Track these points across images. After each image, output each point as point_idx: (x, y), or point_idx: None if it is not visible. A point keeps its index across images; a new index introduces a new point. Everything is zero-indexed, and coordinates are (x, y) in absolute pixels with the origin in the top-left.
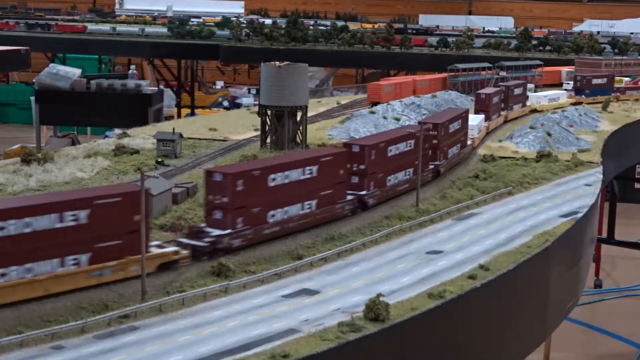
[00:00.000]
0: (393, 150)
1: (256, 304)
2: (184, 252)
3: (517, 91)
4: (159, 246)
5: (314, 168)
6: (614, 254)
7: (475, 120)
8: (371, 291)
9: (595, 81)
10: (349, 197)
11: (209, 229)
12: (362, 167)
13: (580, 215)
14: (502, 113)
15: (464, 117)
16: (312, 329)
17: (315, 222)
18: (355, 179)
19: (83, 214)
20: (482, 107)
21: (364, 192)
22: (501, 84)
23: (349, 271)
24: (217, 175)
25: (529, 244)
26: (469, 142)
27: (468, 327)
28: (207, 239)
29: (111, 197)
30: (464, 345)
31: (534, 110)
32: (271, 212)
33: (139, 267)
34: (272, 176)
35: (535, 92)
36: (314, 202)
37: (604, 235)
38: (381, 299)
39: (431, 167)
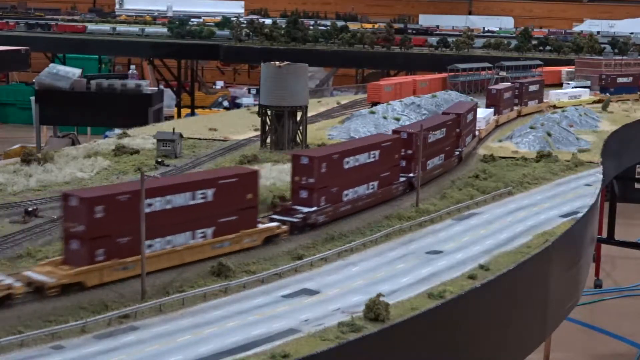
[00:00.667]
0: (432, 137)
1: (256, 304)
2: (284, 227)
3: (533, 88)
4: (262, 222)
5: (377, 152)
6: (614, 254)
7: (483, 113)
8: (371, 291)
9: (620, 80)
10: (402, 179)
11: (297, 207)
12: (409, 152)
13: (580, 215)
14: (515, 108)
15: (474, 109)
16: (312, 329)
17: (376, 202)
18: (403, 163)
19: (210, 193)
20: (493, 102)
21: (411, 175)
22: (516, 81)
23: (349, 271)
24: (304, 159)
25: (529, 244)
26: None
27: (468, 327)
28: (298, 215)
29: (231, 177)
30: (464, 345)
31: (553, 107)
32: (345, 192)
33: (250, 240)
34: (347, 159)
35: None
36: (376, 183)
37: (604, 235)
38: (381, 299)
39: (457, 153)
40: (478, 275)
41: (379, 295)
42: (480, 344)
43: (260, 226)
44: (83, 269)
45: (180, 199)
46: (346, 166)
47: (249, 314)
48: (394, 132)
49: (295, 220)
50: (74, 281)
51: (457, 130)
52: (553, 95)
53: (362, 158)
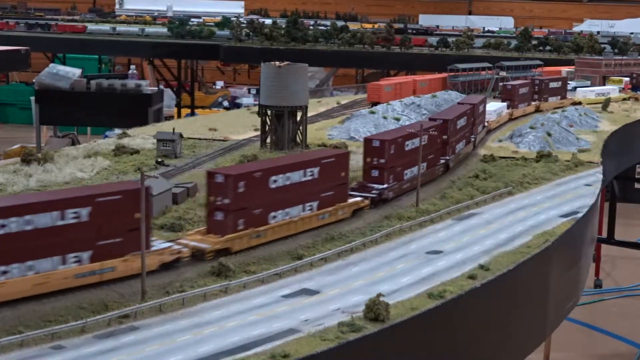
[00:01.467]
0: (459, 124)
1: (256, 304)
2: (366, 201)
3: (554, 84)
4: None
5: (425, 137)
6: (614, 254)
7: (494, 106)
8: (371, 291)
9: None
10: (442, 161)
11: (370, 185)
12: (445, 137)
13: (580, 215)
14: (533, 103)
15: (484, 102)
16: (312, 329)
17: (425, 181)
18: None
19: (316, 171)
20: (508, 96)
21: (448, 157)
22: (536, 77)
23: (349, 271)
24: (375, 142)
25: (529, 244)
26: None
27: (468, 327)
28: (374, 192)
29: (330, 157)
30: (464, 345)
31: (578, 103)
32: (405, 171)
33: (343, 212)
34: (407, 142)
35: None
36: (424, 164)
37: (604, 235)
38: (381, 299)
39: (472, 139)
40: (478, 275)
41: (379, 295)
42: (480, 344)
43: (350, 200)
44: (230, 236)
45: (296, 176)
46: (407, 149)
47: (249, 314)
48: (431, 119)
49: (373, 195)
50: (223, 247)
51: (472, 119)
52: (580, 93)
53: (417, 142)
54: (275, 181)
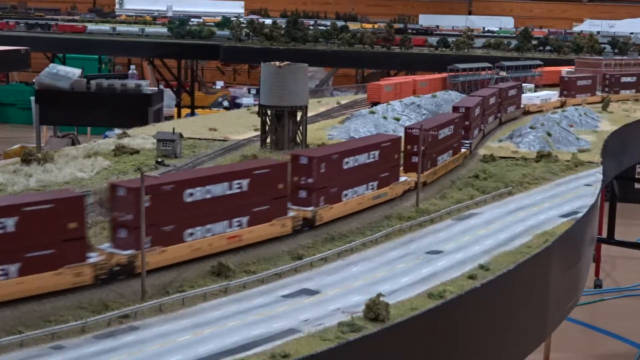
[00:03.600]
0: (491, 101)
1: (256, 304)
2: (412, 183)
3: (627, 79)
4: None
5: (452, 127)
6: (614, 254)
7: (541, 94)
8: (371, 291)
9: None
10: (466, 145)
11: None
12: (467, 123)
13: (580, 215)
14: (599, 94)
15: (519, 87)
16: (312, 329)
17: (451, 166)
18: (462, 132)
19: (377, 153)
20: (565, 87)
21: (469, 141)
22: (611, 72)
23: (349, 271)
24: (415, 131)
25: (529, 244)
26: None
27: (468, 327)
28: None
29: (387, 142)
30: (464, 345)
31: None
32: (438, 158)
33: (395, 193)
34: (440, 132)
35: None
36: (451, 151)
37: (604, 235)
38: (381, 299)
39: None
40: (478, 275)
41: (379, 295)
42: (480, 344)
43: (401, 180)
44: (311, 209)
45: (362, 158)
46: (440, 137)
47: (249, 314)
48: (454, 109)
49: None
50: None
51: (499, 99)
52: None
53: (447, 130)
54: (347, 163)
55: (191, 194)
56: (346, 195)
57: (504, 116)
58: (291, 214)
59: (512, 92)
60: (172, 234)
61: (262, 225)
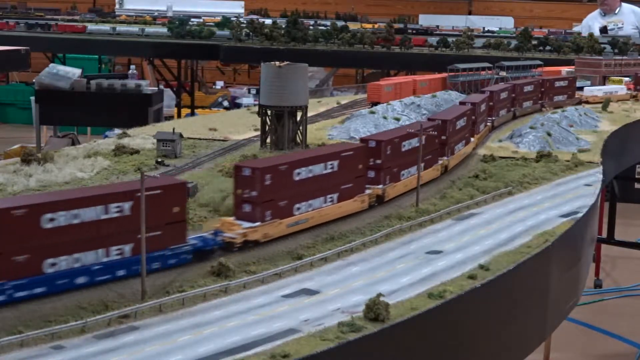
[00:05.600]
0: (526, 89)
1: (256, 304)
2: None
3: None
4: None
5: (464, 119)
6: (614, 254)
7: (606, 87)
8: (371, 291)
9: None
10: (489, 121)
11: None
12: (491, 103)
13: (580, 215)
14: None
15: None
16: (312, 329)
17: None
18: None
19: (423, 139)
20: (638, 82)
21: (492, 118)
22: None
23: (349, 271)
24: (437, 121)
25: (529, 244)
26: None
27: (468, 327)
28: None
29: (431, 128)
30: (464, 345)
31: None
32: (455, 147)
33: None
34: (457, 122)
35: None
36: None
37: (604, 235)
38: (381, 299)
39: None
40: (478, 275)
41: (379, 295)
42: (480, 344)
43: (440, 161)
44: (381, 187)
45: (415, 142)
46: (457, 127)
47: (249, 314)
48: (460, 103)
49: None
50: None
51: (491, 103)
52: None
53: (462, 122)
54: (404, 146)
55: (299, 173)
56: (403, 175)
57: (548, 104)
58: (367, 191)
59: (559, 84)
60: (285, 208)
61: (347, 201)
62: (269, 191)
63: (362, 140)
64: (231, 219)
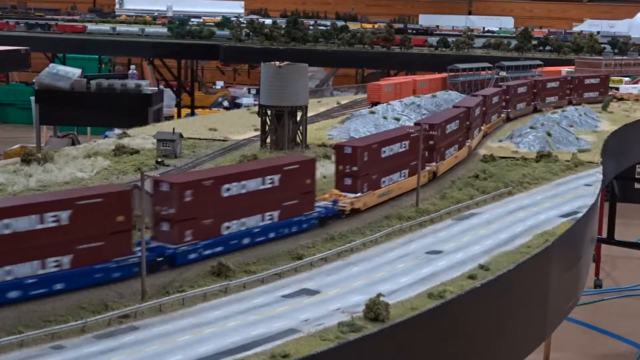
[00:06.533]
0: (549, 85)
1: (256, 304)
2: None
3: None
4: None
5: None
6: (614, 254)
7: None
8: (371, 291)
9: None
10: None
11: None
12: (507, 97)
13: (580, 215)
14: None
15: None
16: (312, 329)
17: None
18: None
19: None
20: None
21: (508, 110)
22: None
23: (349, 271)
24: (461, 108)
25: (529, 244)
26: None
27: (468, 327)
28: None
29: (454, 118)
30: (464, 345)
31: None
32: (446, 152)
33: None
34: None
35: None
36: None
37: (604, 235)
38: (381, 299)
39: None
40: (478, 275)
41: (379, 295)
42: (480, 344)
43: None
44: (434, 164)
45: (453, 126)
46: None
47: (249, 314)
48: (476, 96)
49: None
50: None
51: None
52: None
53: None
54: (433, 136)
55: (384, 152)
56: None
57: (577, 99)
58: (427, 168)
59: (589, 81)
60: (376, 181)
61: (412, 177)
62: (366, 166)
63: (415, 125)
64: (337, 191)
